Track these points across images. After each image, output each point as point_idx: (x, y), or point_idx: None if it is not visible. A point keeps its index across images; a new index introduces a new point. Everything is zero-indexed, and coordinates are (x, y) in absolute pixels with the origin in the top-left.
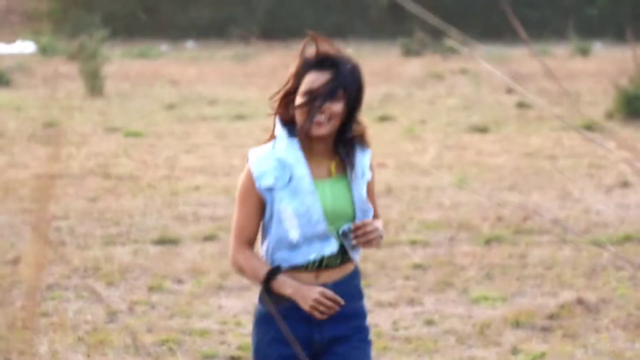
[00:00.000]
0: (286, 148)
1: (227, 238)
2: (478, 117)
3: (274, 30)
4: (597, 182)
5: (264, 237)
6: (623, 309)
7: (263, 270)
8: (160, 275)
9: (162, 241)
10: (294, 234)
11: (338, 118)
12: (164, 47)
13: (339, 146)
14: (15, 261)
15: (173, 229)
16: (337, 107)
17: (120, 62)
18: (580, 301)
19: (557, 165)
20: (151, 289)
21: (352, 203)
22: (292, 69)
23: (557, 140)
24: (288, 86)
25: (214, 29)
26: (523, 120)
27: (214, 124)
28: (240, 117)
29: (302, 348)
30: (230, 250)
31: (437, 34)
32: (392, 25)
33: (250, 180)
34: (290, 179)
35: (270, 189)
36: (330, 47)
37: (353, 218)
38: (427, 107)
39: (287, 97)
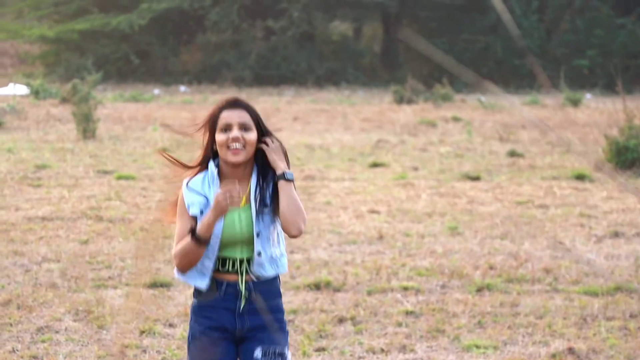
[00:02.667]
0: (208, 183)
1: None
2: (470, 165)
3: (267, 76)
4: (588, 231)
5: None
6: (613, 359)
7: (188, 238)
8: (152, 319)
9: (154, 284)
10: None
11: (252, 146)
12: (156, 90)
13: (253, 176)
14: (6, 303)
15: (165, 272)
16: (251, 135)
17: (113, 106)
18: (571, 351)
19: (548, 214)
20: (143, 333)
21: (253, 231)
22: (205, 118)
23: (548, 189)
24: (207, 135)
25: (207, 73)
26: (515, 168)
27: None
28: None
29: (227, 333)
30: (175, 255)
31: (428, 82)
32: (384, 72)
33: (183, 205)
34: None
35: (196, 215)
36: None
37: (252, 244)
38: (420, 154)
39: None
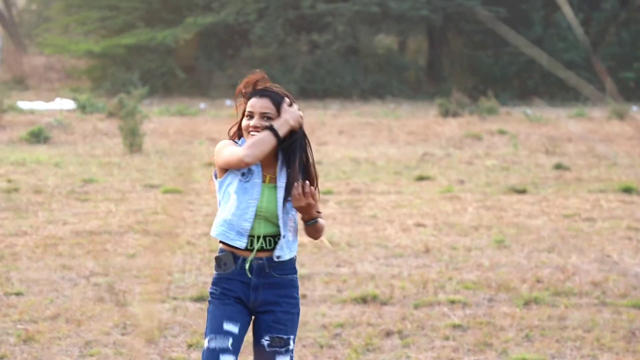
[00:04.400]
0: None
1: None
2: (516, 178)
3: (312, 90)
4: (636, 245)
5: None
6: None
7: (265, 132)
8: (199, 333)
9: (201, 298)
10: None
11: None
12: (202, 104)
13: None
14: (55, 317)
15: None
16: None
17: (159, 120)
18: None
19: (595, 228)
20: (190, 347)
21: (275, 211)
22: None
23: (595, 202)
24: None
25: None
26: (561, 181)
27: None
28: None
29: (242, 302)
30: (238, 155)
31: (474, 95)
32: (429, 85)
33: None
34: (245, 175)
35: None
36: (271, 85)
37: (277, 219)
38: (466, 168)
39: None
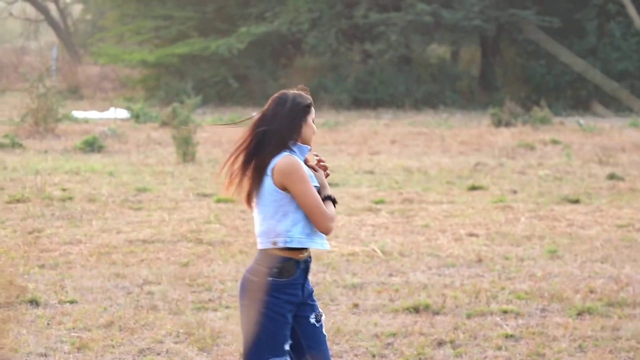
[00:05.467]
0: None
1: (318, 304)
2: (569, 188)
3: (364, 99)
4: None
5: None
6: None
7: (331, 205)
8: None
9: None
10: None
11: None
12: (255, 113)
13: None
14: (108, 325)
15: None
16: None
17: (212, 129)
18: None
19: None
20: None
21: None
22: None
23: None
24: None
25: None
26: (615, 191)
27: None
28: (330, 184)
29: (295, 306)
30: (327, 217)
31: (527, 105)
32: (482, 95)
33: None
34: None
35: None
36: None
37: None
38: (518, 177)
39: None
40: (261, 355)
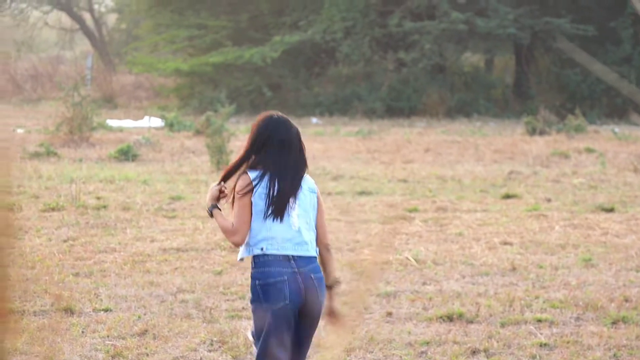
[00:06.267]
0: None
1: (352, 313)
2: (604, 197)
3: (398, 108)
4: None
5: None
6: None
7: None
8: None
9: None
10: None
11: None
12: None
13: None
14: (142, 333)
15: None
16: None
17: (246, 138)
18: None
19: None
20: None
21: None
22: None
23: None
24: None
25: (338, 105)
26: None
27: (338, 199)
28: (364, 192)
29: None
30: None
31: (561, 113)
32: (516, 103)
33: None
34: None
35: None
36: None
37: None
38: (553, 186)
39: None
40: None
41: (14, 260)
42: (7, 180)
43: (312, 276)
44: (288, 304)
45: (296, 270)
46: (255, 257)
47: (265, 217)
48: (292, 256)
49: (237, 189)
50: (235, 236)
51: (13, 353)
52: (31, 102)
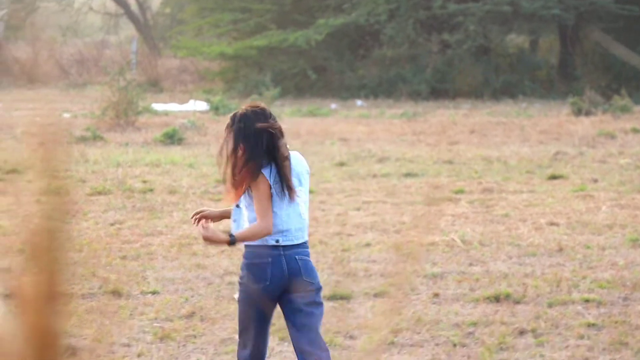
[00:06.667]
0: None
1: (398, 294)
2: None
3: (443, 89)
4: None
5: None
6: None
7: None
8: (332, 331)
9: (333, 297)
10: None
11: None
12: (333, 105)
13: None
14: (190, 316)
15: (344, 285)
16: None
17: (291, 120)
18: None
19: None
20: None
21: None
22: None
23: None
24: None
25: (383, 87)
26: None
27: (384, 181)
28: (409, 174)
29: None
30: None
31: (607, 94)
32: (561, 84)
33: None
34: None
35: None
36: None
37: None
38: (599, 166)
39: None
40: None
41: (66, 245)
42: (58, 165)
43: (297, 257)
44: (269, 285)
45: (282, 253)
46: None
47: (280, 209)
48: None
49: (264, 192)
50: (269, 228)
51: (64, 335)
52: (77, 87)
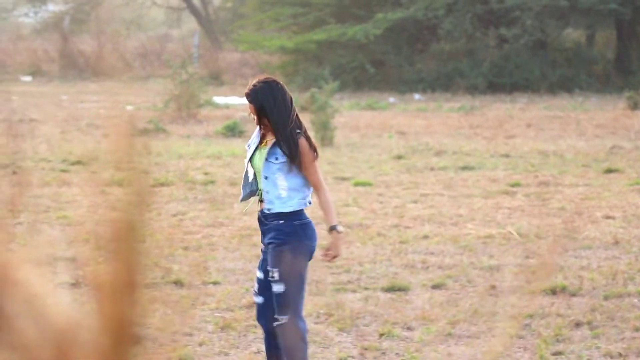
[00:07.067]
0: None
1: (456, 286)
2: None
3: (499, 84)
4: None
5: None
6: None
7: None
8: (391, 322)
9: (391, 288)
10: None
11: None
12: (391, 99)
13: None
14: (250, 306)
15: (402, 276)
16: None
17: (349, 114)
18: None
19: None
20: (382, 336)
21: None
22: None
23: None
24: None
25: (441, 81)
26: None
27: (441, 174)
28: (466, 167)
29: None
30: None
31: None
32: (618, 78)
33: None
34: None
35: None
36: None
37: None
38: None
39: None
40: None
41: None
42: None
43: None
44: (316, 241)
45: None
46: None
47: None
48: None
49: (314, 151)
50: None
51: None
52: (140, 80)
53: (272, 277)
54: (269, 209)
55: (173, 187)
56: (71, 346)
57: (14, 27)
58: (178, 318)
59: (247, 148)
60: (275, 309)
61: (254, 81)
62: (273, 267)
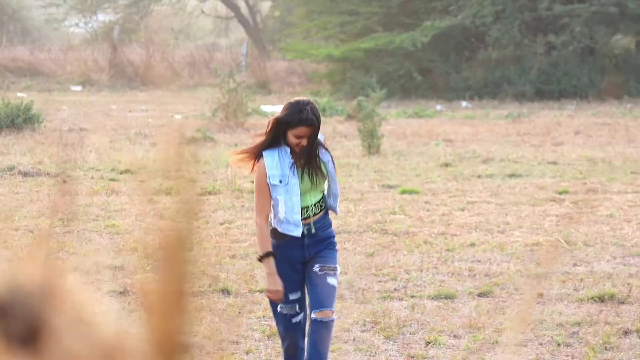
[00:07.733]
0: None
1: (502, 294)
2: None
3: (547, 91)
4: None
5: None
6: None
7: (262, 248)
8: (437, 330)
9: (438, 296)
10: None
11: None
12: (439, 106)
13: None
14: None
15: (449, 284)
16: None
17: (396, 122)
18: None
19: None
20: (428, 344)
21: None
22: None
23: None
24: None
25: (488, 89)
26: None
27: (488, 182)
28: (514, 175)
29: (294, 262)
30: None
31: None
32: None
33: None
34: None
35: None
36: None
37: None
38: None
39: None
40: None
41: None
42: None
43: None
44: None
45: None
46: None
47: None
48: None
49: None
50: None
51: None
52: (188, 89)
53: (333, 271)
54: (316, 214)
55: (220, 196)
56: (118, 356)
57: (65, 37)
58: (225, 326)
59: (279, 183)
60: (329, 302)
61: (301, 105)
62: (335, 263)
